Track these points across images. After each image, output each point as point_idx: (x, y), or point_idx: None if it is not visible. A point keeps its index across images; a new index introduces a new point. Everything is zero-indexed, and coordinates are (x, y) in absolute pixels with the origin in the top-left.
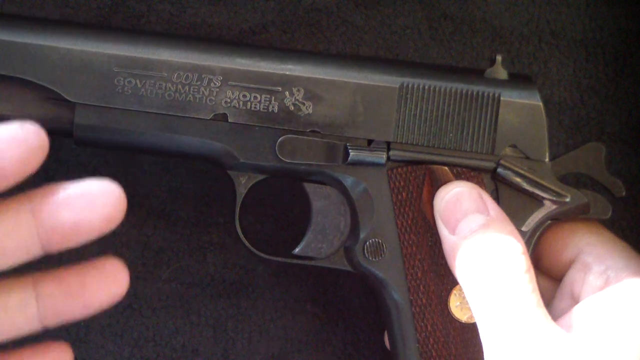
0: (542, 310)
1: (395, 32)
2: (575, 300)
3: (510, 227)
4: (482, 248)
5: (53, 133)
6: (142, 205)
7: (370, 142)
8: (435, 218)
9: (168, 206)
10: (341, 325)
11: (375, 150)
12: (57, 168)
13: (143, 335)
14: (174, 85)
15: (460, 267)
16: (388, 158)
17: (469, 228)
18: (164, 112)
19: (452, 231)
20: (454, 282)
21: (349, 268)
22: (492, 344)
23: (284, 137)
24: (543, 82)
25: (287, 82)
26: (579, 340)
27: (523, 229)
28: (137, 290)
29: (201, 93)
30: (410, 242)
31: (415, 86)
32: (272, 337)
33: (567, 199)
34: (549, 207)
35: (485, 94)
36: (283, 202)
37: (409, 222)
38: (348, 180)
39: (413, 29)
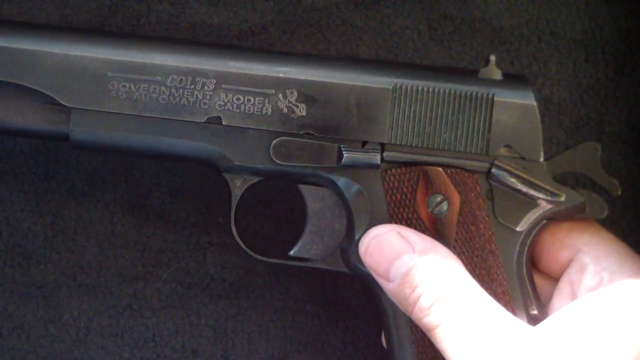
0: (498, 317)
1: (395, 33)
2: (574, 300)
3: (440, 251)
4: (418, 286)
5: (49, 138)
6: (142, 205)
7: (364, 143)
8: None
9: (168, 207)
10: (341, 325)
11: (369, 152)
12: (57, 169)
13: (143, 336)
14: (168, 89)
15: (408, 309)
16: (382, 159)
17: (400, 273)
18: (158, 116)
19: (387, 279)
20: None
21: (344, 269)
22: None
23: (278, 139)
24: (543, 82)
25: (281, 84)
26: (552, 338)
27: (518, 229)
28: (137, 290)
29: (195, 96)
30: None
31: (409, 87)
32: (272, 337)
33: (562, 199)
34: (544, 206)
35: (479, 95)
36: (281, 203)
37: (403, 223)
38: (342, 182)
39: (413, 29)
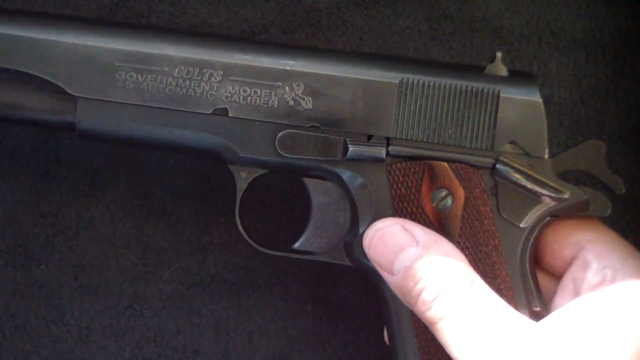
0: (501, 312)
1: (395, 33)
2: (577, 297)
3: (444, 245)
4: (422, 280)
5: (56, 127)
6: (142, 205)
7: (369, 137)
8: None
9: (169, 207)
10: (341, 325)
11: (374, 146)
12: (58, 169)
13: (144, 336)
14: (175, 79)
15: (410, 302)
16: (387, 153)
17: (404, 266)
18: (164, 107)
19: (390, 272)
20: None
21: (348, 263)
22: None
23: (283, 132)
24: (543, 82)
25: (287, 77)
26: (554, 334)
27: (522, 225)
28: (138, 290)
29: (202, 88)
30: None
31: (415, 82)
32: (273, 337)
33: (566, 196)
34: (547, 203)
35: (485, 91)
36: (283, 199)
37: (408, 217)
38: (347, 175)
39: (413, 29)
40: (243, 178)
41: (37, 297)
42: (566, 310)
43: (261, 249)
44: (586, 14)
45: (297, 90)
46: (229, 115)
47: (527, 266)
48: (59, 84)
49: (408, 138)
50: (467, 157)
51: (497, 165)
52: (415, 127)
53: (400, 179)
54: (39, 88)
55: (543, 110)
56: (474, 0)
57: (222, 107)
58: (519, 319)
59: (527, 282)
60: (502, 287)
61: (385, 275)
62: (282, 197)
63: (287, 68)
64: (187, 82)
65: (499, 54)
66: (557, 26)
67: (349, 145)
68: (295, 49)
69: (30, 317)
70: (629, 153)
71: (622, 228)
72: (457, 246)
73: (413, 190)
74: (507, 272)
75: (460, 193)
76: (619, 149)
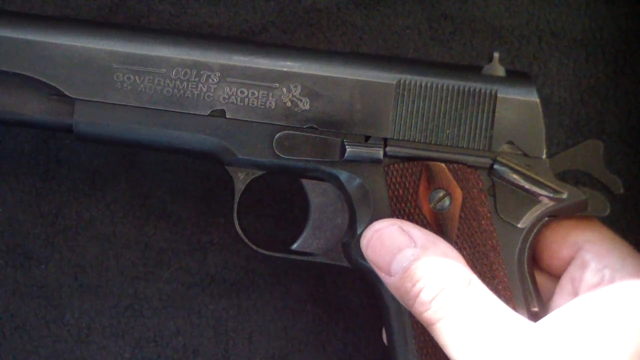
0: (499, 312)
1: (395, 32)
2: (576, 297)
3: (442, 246)
4: (419, 280)
5: (53, 129)
6: (142, 205)
7: (367, 138)
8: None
9: (169, 207)
10: (341, 325)
11: (372, 147)
12: (57, 169)
13: (144, 336)
14: (172, 81)
15: (408, 303)
16: (385, 154)
17: (401, 267)
18: (162, 108)
19: (388, 273)
20: None
21: (346, 264)
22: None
23: (281, 133)
24: (543, 82)
25: (285, 78)
26: (553, 334)
27: (520, 225)
28: (138, 290)
29: (199, 89)
30: None
31: (413, 83)
32: (273, 337)
33: (564, 196)
34: (546, 203)
35: (482, 91)
36: (281, 200)
37: (405, 218)
38: (345, 176)
39: (413, 29)
40: (241, 179)
41: (37, 297)
42: (564, 311)
43: (259, 249)
44: (586, 14)
45: (295, 91)
46: (227, 116)
47: (525, 266)
48: (56, 86)
49: (405, 139)
50: (464, 157)
51: (495, 166)
52: (412, 128)
53: (398, 179)
54: (37, 90)
55: (541, 110)
56: (474, 0)
57: (219, 108)
58: (517, 319)
59: (526, 282)
60: (500, 287)
61: (383, 276)
62: (280, 198)
63: (285, 69)
64: (185, 83)
65: (496, 54)
66: (557, 26)
67: (347, 146)
68: (293, 50)
69: (30, 317)
70: (629, 153)
71: (621, 228)
72: (454, 247)
73: (410, 191)
74: (505, 273)
75: (458, 193)
76: (619, 149)
